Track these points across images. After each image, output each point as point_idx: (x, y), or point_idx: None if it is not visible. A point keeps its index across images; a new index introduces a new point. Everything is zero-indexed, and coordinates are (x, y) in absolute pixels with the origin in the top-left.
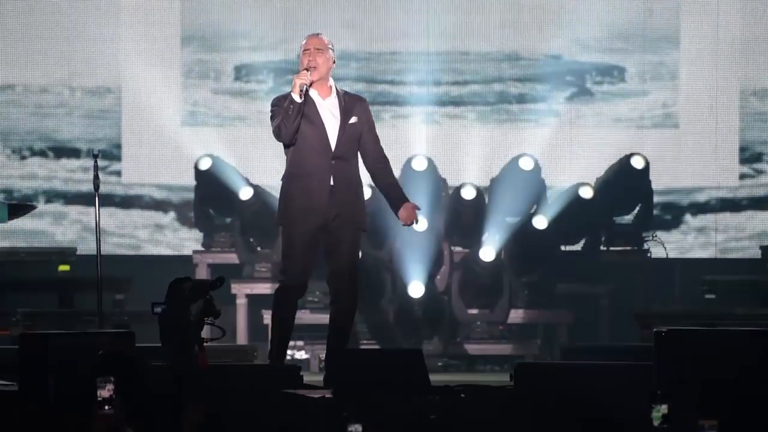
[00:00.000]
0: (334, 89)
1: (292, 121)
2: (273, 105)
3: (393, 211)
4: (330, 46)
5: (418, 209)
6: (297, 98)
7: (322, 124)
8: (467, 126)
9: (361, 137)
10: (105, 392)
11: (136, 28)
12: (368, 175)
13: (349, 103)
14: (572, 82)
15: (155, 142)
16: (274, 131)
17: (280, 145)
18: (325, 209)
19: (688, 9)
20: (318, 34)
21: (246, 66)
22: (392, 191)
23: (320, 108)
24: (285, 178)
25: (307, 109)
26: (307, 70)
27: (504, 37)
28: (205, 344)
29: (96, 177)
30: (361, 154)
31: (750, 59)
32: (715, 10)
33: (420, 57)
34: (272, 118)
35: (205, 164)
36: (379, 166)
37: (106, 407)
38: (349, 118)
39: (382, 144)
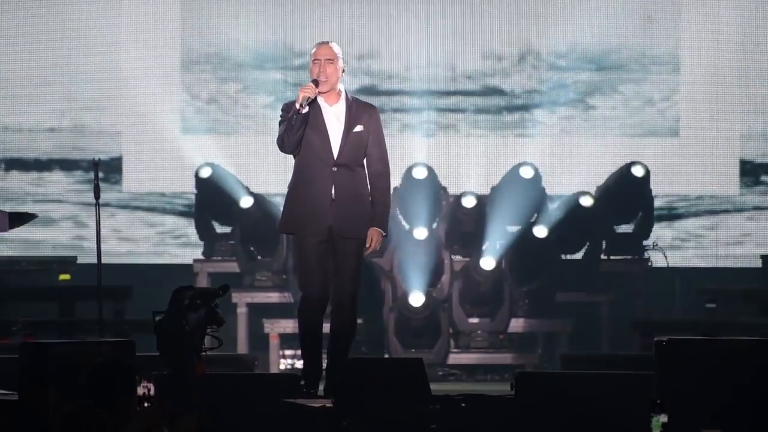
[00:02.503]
0: (343, 96)
1: (294, 132)
2: (282, 110)
3: None
4: (340, 55)
5: (382, 236)
6: (300, 110)
7: (326, 131)
8: (468, 135)
9: (366, 146)
10: (143, 390)
11: (137, 38)
12: None
13: (357, 111)
14: (572, 91)
15: (156, 151)
16: (277, 140)
17: (281, 153)
18: (324, 218)
19: (688, 17)
20: (328, 43)
21: (247, 75)
22: (372, 210)
23: (326, 115)
24: (290, 185)
25: (312, 116)
26: (316, 83)
27: (505, 47)
28: (203, 353)
29: (96, 186)
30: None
31: (750, 68)
32: (716, 18)
33: (421, 66)
34: (280, 123)
35: (205, 173)
36: (375, 182)
37: (145, 404)
38: (354, 126)
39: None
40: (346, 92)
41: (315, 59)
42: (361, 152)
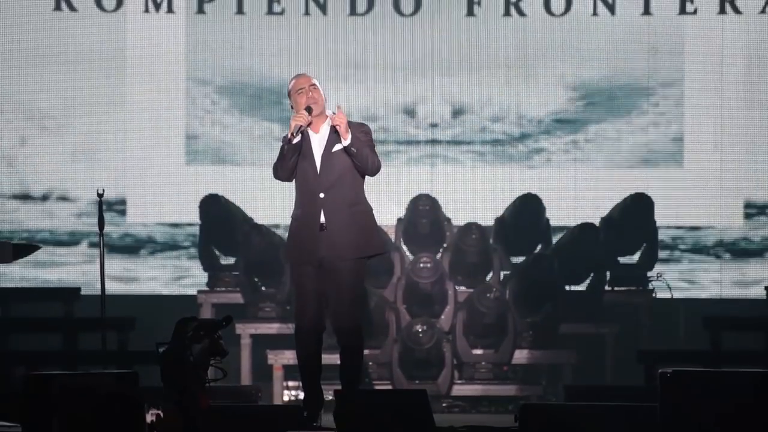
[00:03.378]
0: (328, 121)
1: (286, 161)
2: (282, 142)
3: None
4: (318, 83)
5: (347, 128)
6: (292, 139)
7: (313, 158)
8: (472, 165)
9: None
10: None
11: (142, 66)
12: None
13: (335, 132)
14: (577, 123)
15: (160, 182)
16: (273, 169)
17: (285, 184)
18: (316, 246)
19: (692, 48)
20: (304, 74)
21: (251, 103)
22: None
23: (312, 143)
24: (292, 214)
25: (303, 146)
26: (308, 110)
27: (509, 76)
28: (207, 385)
29: (100, 217)
30: None
31: (755, 98)
32: (719, 49)
33: (424, 95)
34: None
35: (209, 204)
36: None
37: None
38: (333, 147)
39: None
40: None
41: (299, 89)
42: (347, 171)
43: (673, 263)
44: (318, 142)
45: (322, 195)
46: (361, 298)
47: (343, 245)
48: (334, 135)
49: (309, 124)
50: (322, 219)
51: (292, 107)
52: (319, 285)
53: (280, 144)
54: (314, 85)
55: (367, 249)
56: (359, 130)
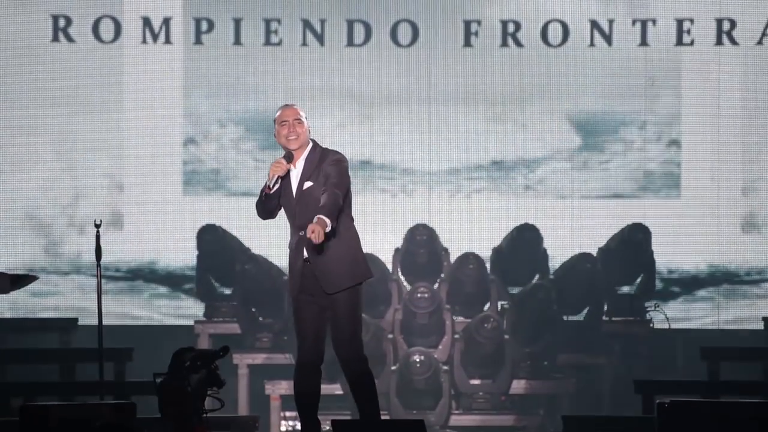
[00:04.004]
0: (304, 156)
1: (265, 206)
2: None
3: None
4: (305, 117)
5: (324, 229)
6: (268, 190)
7: (292, 195)
8: (469, 196)
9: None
10: None
11: (139, 97)
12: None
13: (308, 166)
14: (574, 153)
15: (157, 212)
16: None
17: (282, 216)
18: (304, 281)
19: (689, 79)
20: (293, 105)
21: (248, 134)
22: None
23: (292, 179)
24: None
25: (283, 183)
26: (288, 158)
27: (506, 106)
28: (204, 415)
29: (98, 247)
30: None
31: (752, 130)
32: (716, 79)
33: (422, 126)
34: None
35: (206, 234)
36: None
37: None
38: (304, 184)
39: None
40: (308, 150)
41: (282, 121)
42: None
43: (671, 293)
44: (295, 177)
45: (302, 233)
46: (360, 325)
47: (330, 277)
48: (307, 169)
49: (288, 172)
50: (305, 254)
51: (275, 136)
52: (319, 314)
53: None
54: (299, 119)
55: (355, 277)
56: (330, 160)
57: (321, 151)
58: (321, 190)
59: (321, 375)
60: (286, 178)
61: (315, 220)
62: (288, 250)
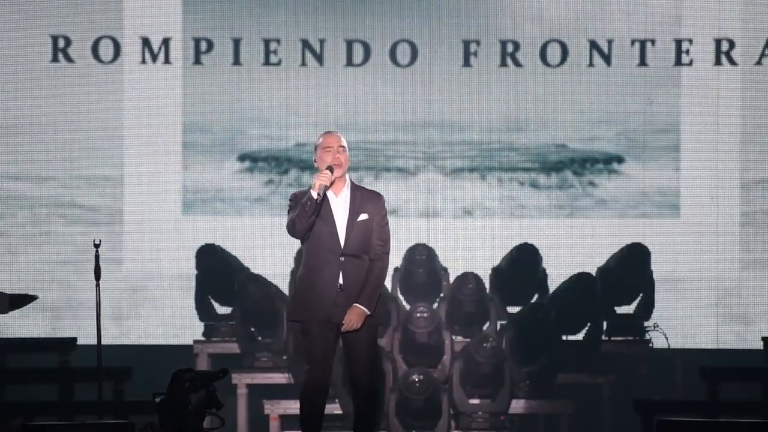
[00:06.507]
0: (347, 185)
1: (307, 218)
2: (291, 200)
3: None
4: (347, 146)
5: (364, 315)
6: (315, 196)
7: (333, 221)
8: (468, 215)
9: (372, 233)
10: None
11: (139, 117)
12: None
13: (361, 200)
14: (573, 172)
15: (156, 232)
16: (288, 225)
17: (283, 234)
18: (332, 307)
19: (688, 98)
20: (335, 132)
21: (249, 154)
22: (362, 288)
23: (333, 205)
24: (299, 275)
25: (321, 206)
26: (330, 170)
27: (505, 127)
28: None
29: (97, 266)
30: None
31: (751, 149)
32: (715, 100)
33: (421, 145)
34: (289, 211)
35: (206, 253)
36: (372, 265)
37: None
38: (359, 216)
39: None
40: (351, 181)
41: (327, 147)
42: (367, 240)
43: (670, 313)
44: (340, 205)
45: (342, 258)
46: (376, 361)
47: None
48: (358, 202)
49: (331, 184)
50: (341, 280)
51: (315, 161)
52: (334, 339)
53: (289, 203)
54: (343, 146)
55: (379, 319)
56: (382, 212)
57: (361, 189)
58: (374, 235)
59: (328, 396)
60: (324, 202)
61: (354, 308)
62: (301, 270)
